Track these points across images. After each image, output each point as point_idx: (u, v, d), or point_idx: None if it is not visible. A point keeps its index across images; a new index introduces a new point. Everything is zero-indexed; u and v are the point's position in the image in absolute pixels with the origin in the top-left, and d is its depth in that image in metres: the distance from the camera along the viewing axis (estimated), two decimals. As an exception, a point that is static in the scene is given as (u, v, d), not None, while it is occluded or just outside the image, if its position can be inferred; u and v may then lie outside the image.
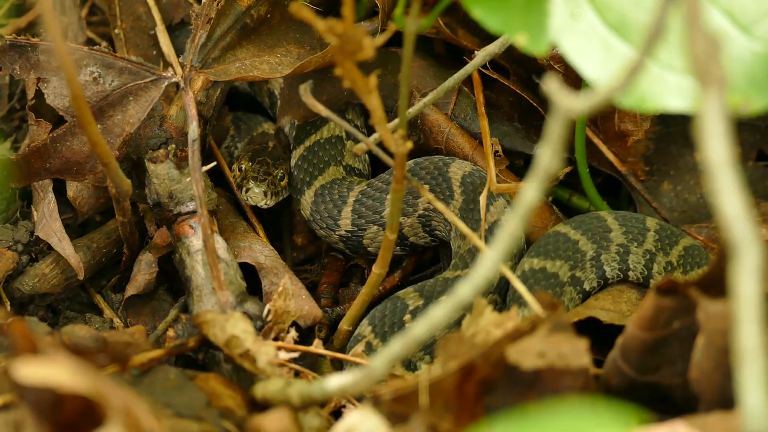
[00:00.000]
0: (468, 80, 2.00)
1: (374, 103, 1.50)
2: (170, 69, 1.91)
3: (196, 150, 1.83)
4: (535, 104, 1.98)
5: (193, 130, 1.85)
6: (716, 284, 1.37)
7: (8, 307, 1.90)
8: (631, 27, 1.35)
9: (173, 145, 1.90)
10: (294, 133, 2.10)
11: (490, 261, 1.24)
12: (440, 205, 1.77)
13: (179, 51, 1.98)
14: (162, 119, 1.93)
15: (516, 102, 2.03)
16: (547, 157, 1.16)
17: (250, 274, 1.91)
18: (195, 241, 1.85)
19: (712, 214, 1.98)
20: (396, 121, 1.67)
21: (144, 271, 1.93)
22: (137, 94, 1.89)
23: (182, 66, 1.91)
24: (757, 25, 1.33)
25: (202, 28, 1.93)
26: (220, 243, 1.85)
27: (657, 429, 1.26)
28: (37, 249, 1.96)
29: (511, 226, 1.20)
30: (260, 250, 1.94)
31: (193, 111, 1.87)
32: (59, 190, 1.98)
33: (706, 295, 1.36)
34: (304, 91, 1.61)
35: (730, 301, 1.33)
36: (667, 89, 1.32)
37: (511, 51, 1.96)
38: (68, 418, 1.29)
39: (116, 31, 2.08)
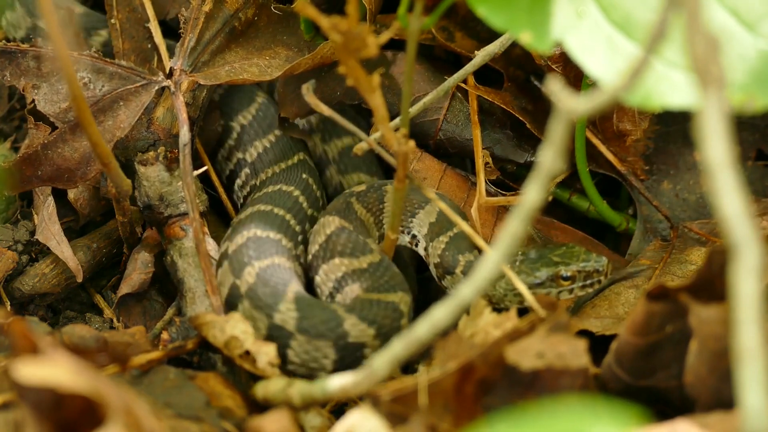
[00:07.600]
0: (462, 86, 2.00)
1: (377, 102, 1.50)
2: (160, 74, 1.91)
3: (187, 155, 1.82)
4: (521, 119, 1.97)
5: (184, 134, 1.84)
6: (706, 288, 1.37)
7: (8, 307, 1.90)
8: (636, 25, 1.35)
9: (162, 147, 1.90)
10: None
11: (491, 262, 1.24)
12: (443, 206, 1.77)
13: (174, 46, 1.97)
14: (149, 121, 1.93)
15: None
16: (550, 159, 1.16)
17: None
18: (187, 243, 1.85)
19: (712, 213, 1.98)
20: (397, 120, 1.67)
21: (140, 270, 1.92)
22: (128, 98, 1.89)
23: (172, 70, 1.91)
24: (762, 23, 1.33)
25: (191, 32, 1.93)
26: (211, 245, 1.85)
27: (658, 427, 1.26)
28: (37, 249, 1.95)
29: (512, 227, 1.20)
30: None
31: (183, 116, 1.86)
32: (62, 192, 1.98)
33: (696, 300, 1.36)
34: (307, 90, 1.61)
35: (722, 305, 1.34)
36: (672, 87, 1.32)
37: (509, 52, 1.96)
38: (68, 418, 1.29)
39: (112, 21, 2.07)
